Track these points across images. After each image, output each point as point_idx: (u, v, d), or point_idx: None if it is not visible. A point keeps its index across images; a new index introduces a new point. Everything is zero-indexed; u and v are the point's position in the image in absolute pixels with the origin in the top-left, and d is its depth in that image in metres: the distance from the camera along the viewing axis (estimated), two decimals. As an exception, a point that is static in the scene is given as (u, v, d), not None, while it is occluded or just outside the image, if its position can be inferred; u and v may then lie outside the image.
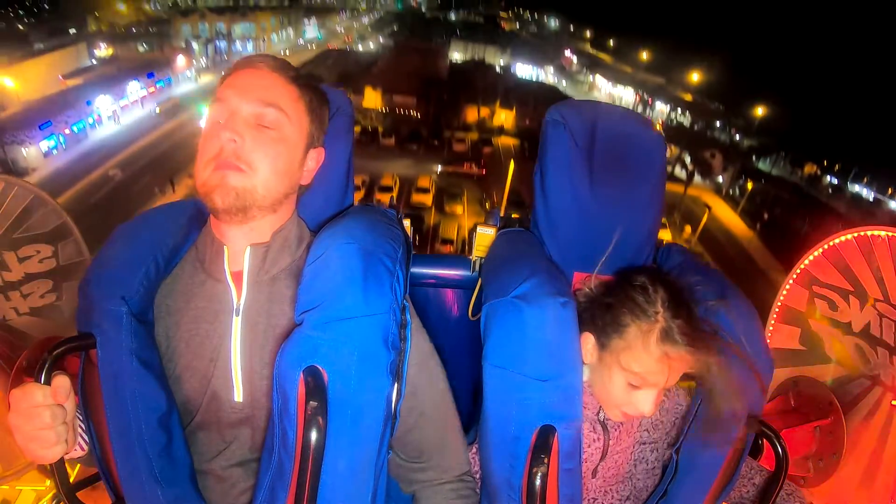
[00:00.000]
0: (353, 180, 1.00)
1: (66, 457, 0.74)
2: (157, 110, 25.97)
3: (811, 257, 1.52)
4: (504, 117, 33.17)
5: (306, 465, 0.64)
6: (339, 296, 0.69)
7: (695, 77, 33.45)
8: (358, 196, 20.76)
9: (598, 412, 0.95)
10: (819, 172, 28.02)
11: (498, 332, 0.83)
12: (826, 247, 1.47)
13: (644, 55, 40.22)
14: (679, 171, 27.33)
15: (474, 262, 1.20)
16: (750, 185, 25.14)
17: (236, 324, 0.78)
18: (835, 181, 27.39)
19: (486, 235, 1.14)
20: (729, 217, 24.72)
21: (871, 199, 25.58)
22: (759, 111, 28.98)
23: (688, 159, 27.25)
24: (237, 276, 0.79)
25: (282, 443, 0.69)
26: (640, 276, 0.86)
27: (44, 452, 0.69)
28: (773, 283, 19.25)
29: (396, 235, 0.81)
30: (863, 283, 1.39)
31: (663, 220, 22.63)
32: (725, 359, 0.83)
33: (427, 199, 21.37)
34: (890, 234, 1.33)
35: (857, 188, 26.37)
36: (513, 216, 1.19)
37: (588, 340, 0.89)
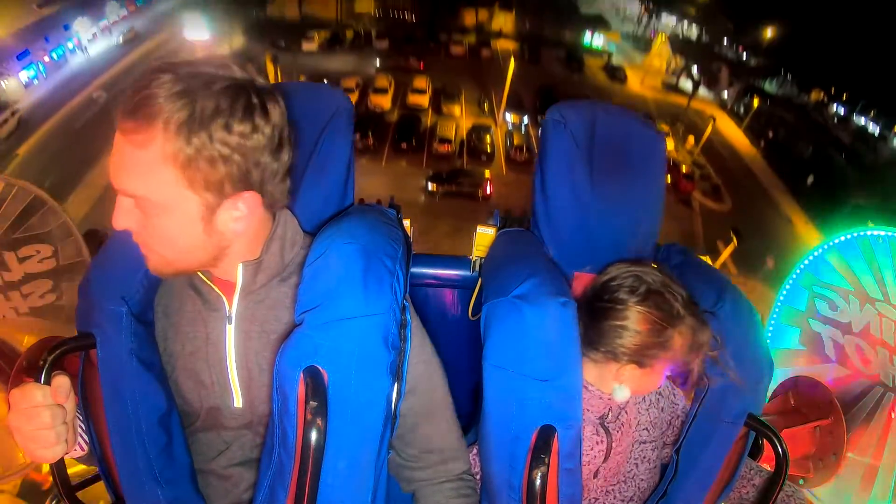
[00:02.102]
0: (353, 180, 1.00)
1: (66, 457, 0.74)
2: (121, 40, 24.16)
3: (811, 257, 1.52)
4: (503, 20, 32.04)
5: (306, 465, 0.64)
6: (339, 296, 0.69)
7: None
8: (354, 98, 19.76)
9: (601, 415, 0.95)
10: (826, 100, 27.15)
11: (498, 332, 0.83)
12: (826, 247, 1.47)
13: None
14: (683, 83, 27.00)
15: (474, 262, 1.20)
16: (756, 102, 24.74)
17: (229, 331, 0.77)
18: (841, 111, 26.55)
19: (486, 235, 1.14)
20: (733, 133, 24.32)
21: (875, 134, 24.77)
22: (769, 32, 27.65)
23: (695, 69, 26.71)
24: (229, 285, 0.77)
25: (282, 443, 0.69)
26: (633, 297, 0.86)
27: (44, 452, 0.68)
28: (775, 202, 19.23)
29: (396, 235, 0.81)
30: (863, 283, 1.39)
31: (665, 128, 21.62)
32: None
33: (424, 101, 21.04)
34: (890, 233, 1.33)
35: (862, 121, 25.56)
36: (512, 216, 1.19)
37: (625, 370, 0.89)
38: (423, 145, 18.72)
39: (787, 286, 1.58)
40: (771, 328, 1.61)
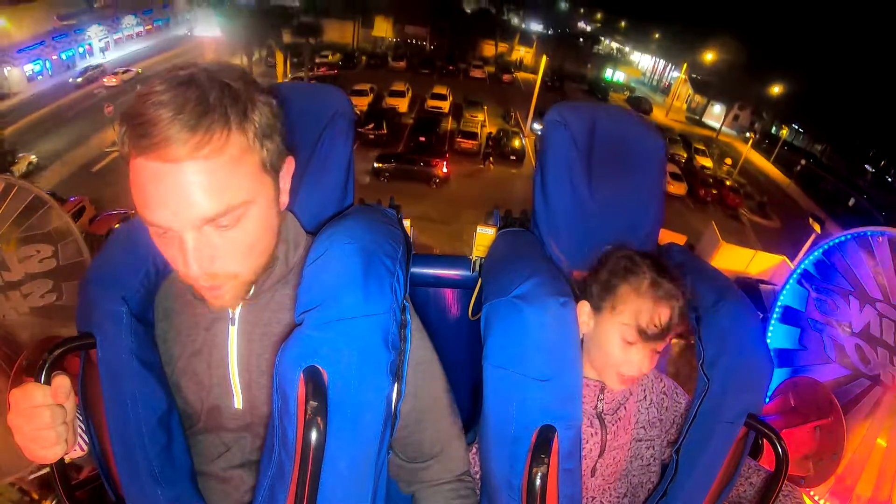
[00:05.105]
0: (353, 181, 1.00)
1: (66, 457, 0.74)
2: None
3: (811, 257, 1.52)
4: (523, 52, 32.06)
5: (306, 465, 0.64)
6: (339, 296, 0.69)
7: (709, 56, 31.19)
8: (366, 101, 19.43)
9: (596, 405, 0.95)
10: (833, 149, 28.56)
11: (498, 332, 0.83)
12: (826, 247, 1.47)
13: (657, 35, 37.60)
14: (707, 119, 28.60)
15: (474, 262, 1.20)
16: (784, 132, 26.19)
17: (232, 333, 0.77)
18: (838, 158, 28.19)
19: (486, 235, 1.15)
20: (763, 164, 25.75)
21: (889, 180, 26.05)
22: (776, 89, 28.42)
23: (716, 108, 27.79)
24: None
25: (282, 443, 0.69)
26: (626, 250, 0.93)
27: (44, 452, 0.69)
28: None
29: (396, 235, 0.81)
30: (863, 283, 1.38)
31: (702, 147, 22.74)
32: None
33: (444, 106, 20.05)
34: (890, 234, 1.33)
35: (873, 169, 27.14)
36: (513, 216, 1.19)
37: (583, 308, 0.93)
38: (445, 142, 17.21)
39: (788, 286, 1.58)
40: (771, 328, 1.60)
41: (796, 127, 29.92)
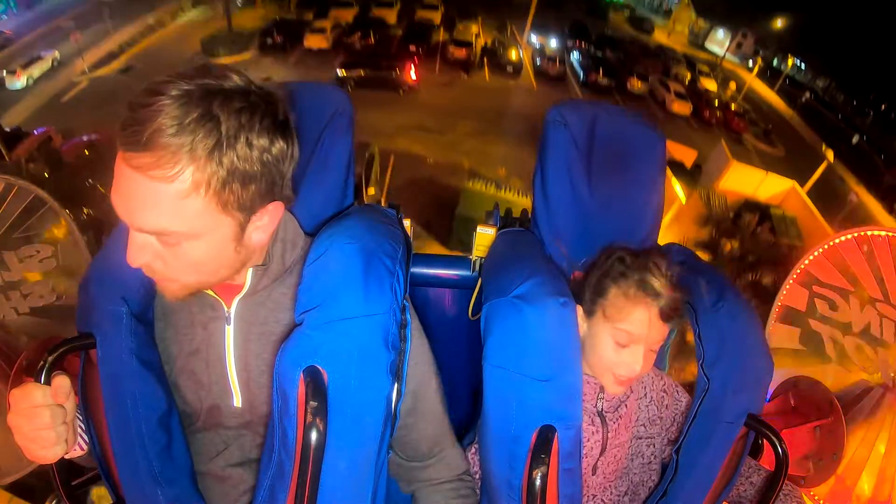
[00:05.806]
0: (353, 181, 1.00)
1: (66, 457, 0.74)
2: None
3: (811, 257, 1.52)
4: None
5: (306, 465, 0.64)
6: (339, 295, 0.69)
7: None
8: (351, 13, 17.88)
9: (596, 403, 0.95)
10: (835, 86, 28.60)
11: (498, 332, 0.83)
12: (826, 247, 1.47)
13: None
14: (710, 46, 27.98)
15: (474, 262, 1.20)
16: (791, 62, 25.65)
17: (228, 332, 0.77)
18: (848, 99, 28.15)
19: (486, 235, 1.15)
20: (767, 93, 25.02)
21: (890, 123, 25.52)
22: (779, 22, 27.73)
23: (719, 34, 27.21)
24: (227, 288, 0.76)
25: (282, 443, 0.69)
26: (619, 250, 0.92)
27: (44, 452, 0.69)
28: (823, 158, 19.30)
29: (396, 235, 0.81)
30: (863, 283, 1.38)
31: (706, 69, 22.00)
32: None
33: (435, 17, 18.59)
34: (890, 234, 1.33)
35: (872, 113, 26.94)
36: (513, 216, 1.19)
37: (577, 312, 0.91)
38: (436, 52, 16.23)
39: (787, 286, 1.58)
40: (771, 328, 1.60)
41: (798, 62, 29.48)
